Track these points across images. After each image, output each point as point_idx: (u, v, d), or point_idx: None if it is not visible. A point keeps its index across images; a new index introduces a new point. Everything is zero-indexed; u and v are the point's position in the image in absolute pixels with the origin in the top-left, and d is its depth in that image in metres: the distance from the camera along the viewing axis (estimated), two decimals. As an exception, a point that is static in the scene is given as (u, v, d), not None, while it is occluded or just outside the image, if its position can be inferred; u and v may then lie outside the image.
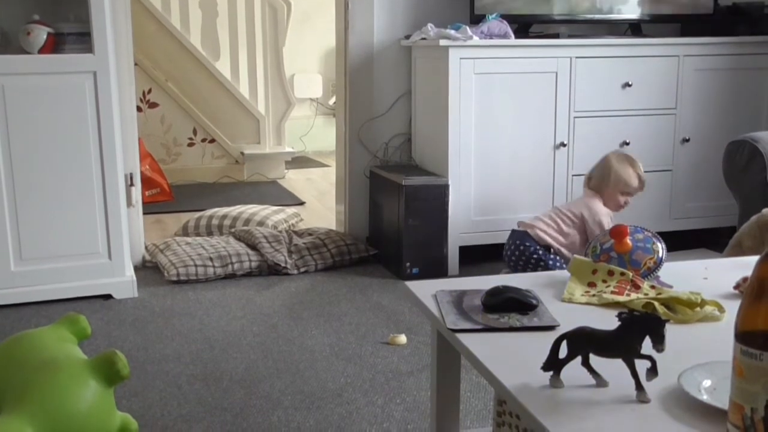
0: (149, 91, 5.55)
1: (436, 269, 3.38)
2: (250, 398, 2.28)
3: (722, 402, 1.07)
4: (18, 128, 2.92)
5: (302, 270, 3.50)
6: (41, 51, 2.99)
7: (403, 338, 2.70)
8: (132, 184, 3.45)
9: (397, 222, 3.41)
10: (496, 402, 1.84)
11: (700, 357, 1.24)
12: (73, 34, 3.04)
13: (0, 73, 2.87)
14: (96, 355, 1.91)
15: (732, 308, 1.51)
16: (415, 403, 2.25)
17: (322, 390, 2.34)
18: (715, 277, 1.75)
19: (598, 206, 3.14)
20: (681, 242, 3.58)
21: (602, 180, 3.14)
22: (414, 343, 2.68)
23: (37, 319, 2.92)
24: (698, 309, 1.51)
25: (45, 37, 2.99)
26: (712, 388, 1.14)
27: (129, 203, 3.39)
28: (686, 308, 1.51)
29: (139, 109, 5.18)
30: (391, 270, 3.49)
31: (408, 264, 3.37)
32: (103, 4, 2.94)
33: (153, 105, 5.58)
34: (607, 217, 3.12)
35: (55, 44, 3.03)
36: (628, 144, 3.59)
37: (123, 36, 3.35)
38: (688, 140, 3.68)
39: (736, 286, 1.65)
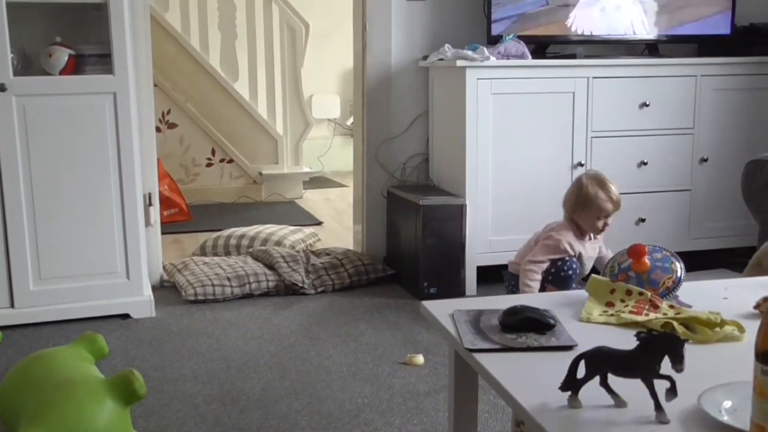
0: (168, 112, 5.60)
1: (454, 289, 3.37)
2: (267, 418, 2.28)
3: (743, 423, 1.06)
4: (39, 148, 2.95)
5: (319, 290, 3.50)
6: (62, 72, 3.03)
7: (420, 358, 2.69)
8: (150, 204, 3.48)
9: (414, 242, 3.41)
10: (514, 423, 1.83)
11: (721, 377, 1.23)
12: (93, 56, 3.08)
13: (22, 94, 2.91)
14: (113, 375, 1.92)
15: (752, 328, 1.49)
16: (432, 424, 2.24)
17: (339, 410, 2.33)
18: (734, 296, 1.74)
19: (563, 233, 2.93)
20: (700, 262, 3.55)
21: (576, 205, 2.94)
22: (431, 364, 2.67)
23: (55, 338, 2.93)
24: (718, 329, 1.49)
25: (66, 58, 3.03)
26: (733, 409, 1.13)
27: (147, 223, 3.41)
28: (706, 328, 1.50)
29: (158, 129, 5.23)
30: (409, 290, 3.49)
31: (425, 284, 3.36)
32: (124, 26, 2.98)
33: (172, 125, 5.63)
34: (566, 244, 2.91)
35: (76, 65, 3.07)
36: (645, 164, 3.58)
37: (143, 57, 3.38)
38: (706, 160, 3.67)
39: (756, 306, 1.63)
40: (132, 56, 3.09)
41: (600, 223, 2.93)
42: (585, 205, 2.92)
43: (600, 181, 2.96)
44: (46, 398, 1.85)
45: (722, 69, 3.62)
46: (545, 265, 2.88)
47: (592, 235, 2.98)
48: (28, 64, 3.11)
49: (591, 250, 3.00)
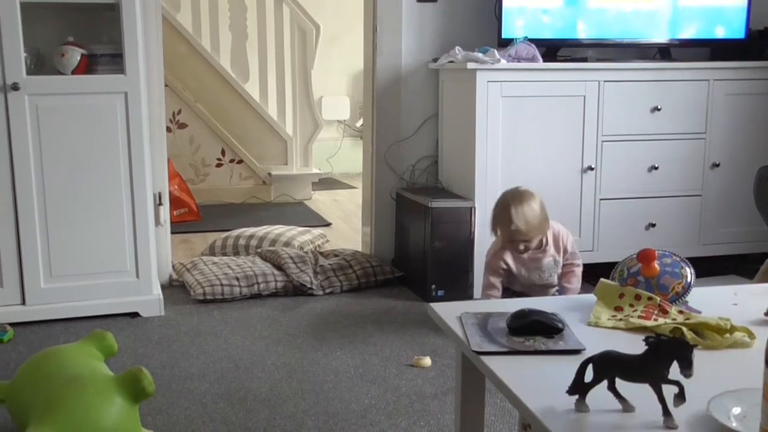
0: (179, 112, 5.62)
1: (462, 292, 3.36)
2: (274, 418, 2.28)
3: (752, 430, 1.05)
4: (51, 147, 2.97)
5: (327, 291, 3.50)
6: (75, 72, 3.04)
7: (427, 361, 2.68)
8: (160, 204, 3.49)
9: (422, 244, 3.40)
10: (521, 426, 1.82)
11: (730, 384, 1.22)
12: (105, 56, 3.09)
13: (35, 94, 2.92)
14: (122, 372, 1.93)
15: (762, 334, 1.49)
16: (438, 426, 2.23)
17: (346, 411, 2.33)
18: (745, 303, 1.73)
19: (490, 250, 2.96)
20: (710, 268, 3.54)
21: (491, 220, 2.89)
22: (438, 366, 2.67)
23: (65, 335, 2.95)
24: (728, 335, 1.48)
25: (79, 58, 3.05)
26: (742, 415, 1.13)
27: (157, 222, 3.43)
28: (715, 334, 1.49)
29: (168, 129, 5.24)
30: (417, 292, 3.49)
31: (433, 286, 3.36)
32: (136, 27, 2.99)
33: (182, 126, 5.65)
34: (491, 258, 2.92)
35: (88, 65, 3.08)
36: (656, 168, 3.57)
37: (154, 57, 3.40)
38: (718, 165, 3.65)
39: (767, 313, 1.62)
40: (143, 56, 3.10)
41: (513, 244, 2.80)
42: (493, 223, 2.86)
43: (506, 204, 2.79)
44: (56, 395, 1.86)
45: (735, 73, 3.60)
46: (496, 286, 2.87)
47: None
48: (41, 64, 3.13)
49: (532, 259, 2.86)
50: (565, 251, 2.92)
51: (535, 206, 2.79)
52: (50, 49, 3.10)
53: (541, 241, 2.87)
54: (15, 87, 2.88)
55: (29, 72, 2.95)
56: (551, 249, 2.89)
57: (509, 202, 2.80)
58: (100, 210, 3.06)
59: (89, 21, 3.23)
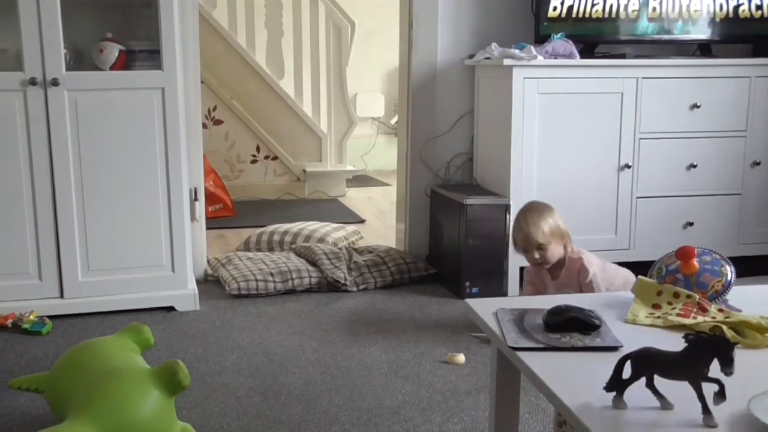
0: (214, 109, 5.66)
1: (496, 289, 3.34)
2: (308, 413, 2.29)
3: (795, 429, 1.03)
4: (89, 142, 3.01)
5: (361, 287, 3.50)
6: (113, 67, 3.08)
7: (461, 357, 2.67)
8: (196, 199, 3.52)
9: (457, 241, 3.39)
10: (556, 424, 1.81)
11: (772, 383, 1.20)
12: (143, 52, 3.13)
13: (73, 89, 2.96)
14: (158, 365, 1.94)
15: (805, 334, 1.46)
16: (472, 423, 2.22)
17: (379, 407, 2.33)
18: (787, 302, 1.69)
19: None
20: (750, 268, 3.47)
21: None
22: (472, 363, 2.65)
23: (102, 328, 2.98)
24: (769, 334, 1.46)
25: (117, 54, 3.08)
26: (784, 414, 1.10)
27: (193, 218, 3.46)
28: (756, 333, 1.47)
29: (204, 125, 5.30)
30: (451, 289, 3.47)
31: (467, 283, 3.34)
32: (173, 23, 3.02)
33: (218, 122, 5.69)
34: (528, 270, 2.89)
35: (126, 61, 3.12)
36: (695, 167, 3.51)
37: (191, 54, 3.43)
38: (759, 163, 3.58)
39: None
40: (180, 52, 3.12)
41: (527, 256, 2.74)
42: (512, 238, 2.83)
43: (519, 215, 2.79)
44: (94, 387, 1.88)
45: (779, 70, 3.54)
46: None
47: (563, 274, 2.75)
48: (80, 60, 3.18)
49: (552, 286, 2.79)
50: (580, 287, 2.71)
51: (548, 217, 2.73)
52: (89, 45, 3.14)
53: (560, 262, 2.74)
54: (55, 82, 2.92)
55: (68, 68, 2.98)
56: (573, 281, 2.73)
57: (522, 211, 2.80)
58: (137, 205, 3.09)
59: (127, 17, 3.27)
